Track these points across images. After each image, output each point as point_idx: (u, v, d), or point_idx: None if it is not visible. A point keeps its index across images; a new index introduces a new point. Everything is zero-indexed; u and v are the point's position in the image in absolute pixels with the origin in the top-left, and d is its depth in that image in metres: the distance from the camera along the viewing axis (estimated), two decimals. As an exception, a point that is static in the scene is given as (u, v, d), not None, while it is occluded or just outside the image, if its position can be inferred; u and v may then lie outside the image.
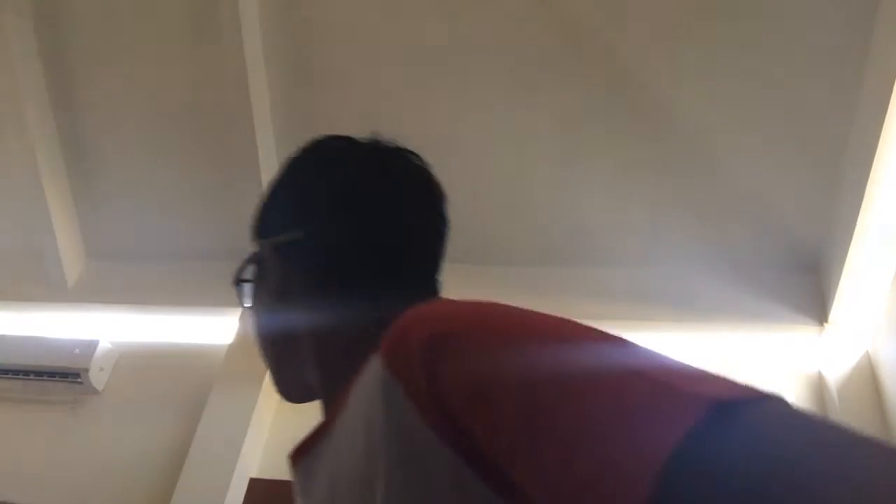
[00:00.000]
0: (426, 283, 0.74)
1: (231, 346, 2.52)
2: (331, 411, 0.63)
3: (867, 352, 2.20)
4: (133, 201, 2.72)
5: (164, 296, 2.69)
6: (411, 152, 0.77)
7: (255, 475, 2.30)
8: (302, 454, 0.67)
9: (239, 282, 0.76)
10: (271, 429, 2.42)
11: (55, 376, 2.52)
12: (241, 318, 2.57)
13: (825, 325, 2.26)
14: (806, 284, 2.36)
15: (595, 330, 0.49)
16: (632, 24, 2.12)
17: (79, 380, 2.50)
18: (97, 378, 2.54)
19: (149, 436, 2.42)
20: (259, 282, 0.75)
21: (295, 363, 0.73)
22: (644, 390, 0.41)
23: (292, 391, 0.76)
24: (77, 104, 2.57)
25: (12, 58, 2.41)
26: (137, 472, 2.35)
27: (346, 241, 0.69)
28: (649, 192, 2.35)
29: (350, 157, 0.74)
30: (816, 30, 2.00)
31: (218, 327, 2.63)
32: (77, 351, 2.53)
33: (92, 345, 2.55)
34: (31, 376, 2.53)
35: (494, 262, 2.51)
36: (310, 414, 2.61)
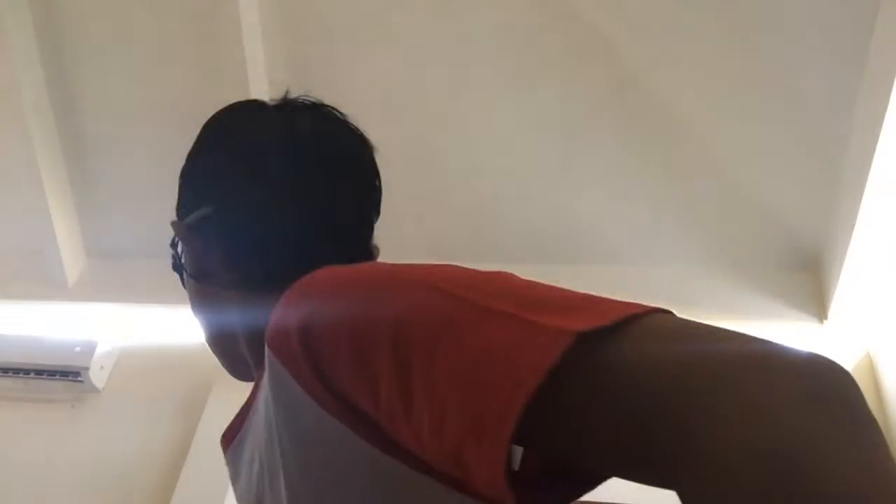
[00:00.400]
0: (352, 251, 0.69)
1: (231, 346, 2.52)
2: (249, 396, 0.62)
3: (867, 351, 2.20)
4: (134, 200, 2.72)
5: (165, 294, 2.66)
6: (325, 106, 0.73)
7: (255, 474, 2.30)
8: (229, 439, 0.66)
9: (181, 272, 0.74)
10: (271, 428, 2.42)
11: (55, 375, 2.52)
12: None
13: (824, 323, 2.26)
14: (805, 283, 2.36)
15: (472, 270, 0.48)
16: (632, 23, 2.12)
17: (79, 379, 2.50)
18: (98, 377, 2.54)
19: (149, 435, 2.42)
20: (183, 267, 0.72)
21: (233, 348, 0.73)
22: (508, 334, 0.41)
23: (240, 370, 0.76)
24: (77, 104, 2.57)
25: (12, 58, 2.41)
26: (137, 472, 2.35)
27: (257, 213, 0.66)
28: (649, 191, 2.36)
29: (256, 122, 0.71)
30: (816, 30, 2.00)
31: (218, 326, 2.63)
32: (77, 350, 2.53)
33: (92, 343, 2.55)
34: (32, 375, 2.53)
35: (493, 261, 2.49)
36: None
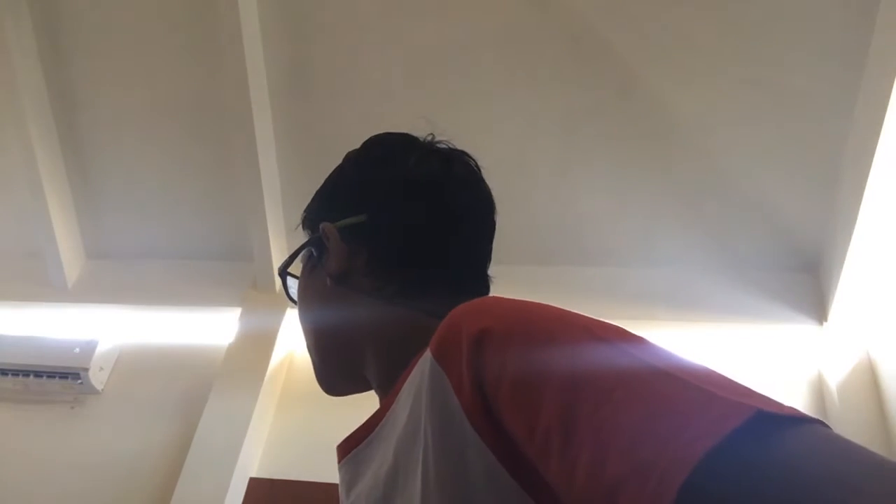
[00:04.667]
0: (476, 279, 0.76)
1: (231, 346, 2.52)
2: (385, 402, 0.64)
3: (867, 351, 2.20)
4: (133, 201, 2.72)
5: (163, 295, 2.69)
6: (466, 153, 0.80)
7: (254, 475, 2.30)
8: (351, 445, 0.66)
9: (285, 274, 0.76)
10: (271, 429, 2.42)
11: (55, 376, 2.52)
12: (241, 318, 2.57)
13: (825, 324, 2.26)
14: (806, 284, 2.37)
15: (634, 334, 0.50)
16: (632, 24, 2.12)
17: (79, 379, 2.50)
18: (97, 378, 2.54)
19: (149, 435, 2.42)
20: (312, 271, 0.74)
21: (346, 353, 0.72)
22: (684, 394, 0.42)
23: (338, 383, 0.74)
24: (77, 105, 2.57)
25: (12, 59, 2.41)
26: (137, 472, 2.35)
27: (407, 226, 0.71)
28: (649, 192, 2.36)
29: (411, 149, 0.76)
30: (816, 30, 2.00)
31: (218, 327, 2.63)
32: (77, 350, 2.53)
33: (92, 344, 2.55)
34: (32, 376, 2.53)
35: (493, 262, 2.50)
36: (309, 414, 2.61)
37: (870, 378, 2.15)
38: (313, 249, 0.73)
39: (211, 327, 2.66)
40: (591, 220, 2.42)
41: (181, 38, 2.38)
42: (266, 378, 2.42)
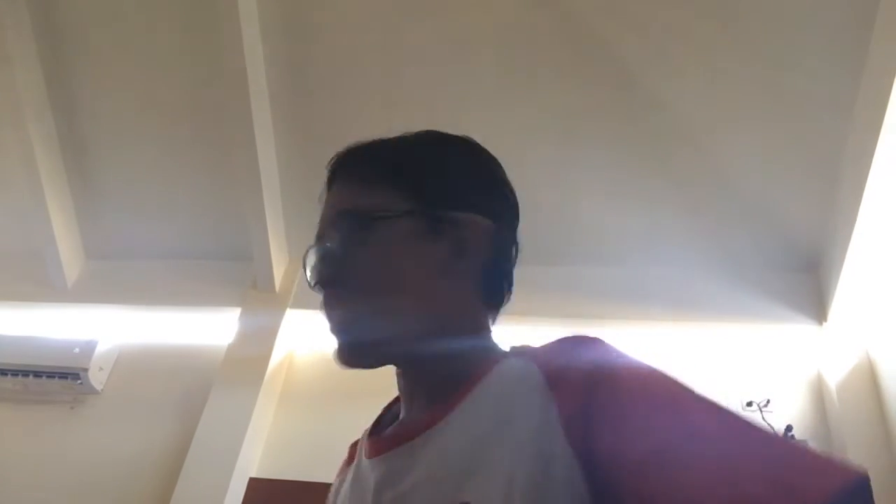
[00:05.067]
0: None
1: (231, 346, 2.52)
2: (446, 403, 0.65)
3: (867, 351, 2.20)
4: (132, 202, 2.72)
5: (163, 295, 2.69)
6: None
7: (254, 475, 2.30)
8: (392, 443, 0.66)
9: (378, 216, 0.70)
10: (271, 429, 2.42)
11: (55, 376, 2.52)
12: (241, 318, 2.57)
13: (824, 324, 2.26)
14: (805, 284, 2.37)
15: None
16: (632, 25, 2.12)
17: (78, 380, 2.50)
18: (97, 378, 2.54)
19: (148, 435, 2.42)
20: (425, 238, 0.71)
21: (425, 330, 0.69)
22: (785, 448, 0.49)
23: (380, 353, 0.71)
24: (76, 106, 2.57)
25: (12, 59, 2.41)
26: (137, 472, 2.35)
27: (508, 229, 0.75)
28: (649, 193, 2.35)
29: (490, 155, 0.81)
30: (816, 30, 2.00)
31: (218, 327, 2.63)
32: (77, 350, 2.53)
33: (91, 344, 2.55)
34: (32, 376, 2.53)
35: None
36: (309, 414, 2.61)
37: (869, 378, 2.15)
38: (446, 225, 0.71)
39: (211, 327, 2.66)
40: (591, 220, 2.42)
41: (181, 38, 2.38)
42: (266, 378, 2.42)
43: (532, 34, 2.18)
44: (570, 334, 0.64)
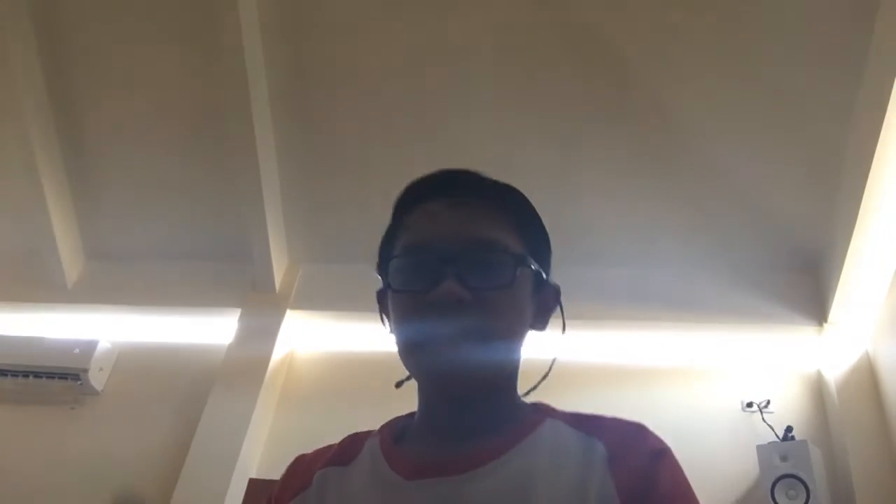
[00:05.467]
0: None
1: (231, 347, 2.52)
2: (502, 442, 0.70)
3: (867, 352, 2.20)
4: (132, 202, 2.72)
5: (163, 296, 2.69)
6: None
7: (254, 475, 2.30)
8: (435, 472, 0.68)
9: (523, 263, 0.80)
10: (271, 429, 2.42)
11: (55, 376, 2.52)
12: (241, 319, 2.57)
13: (825, 325, 2.26)
14: (806, 284, 2.37)
15: None
16: (633, 26, 2.12)
17: (79, 380, 2.50)
18: (97, 378, 2.54)
19: (148, 435, 2.42)
20: (529, 296, 0.81)
21: (504, 366, 0.77)
22: None
23: (473, 383, 0.73)
24: (77, 106, 2.57)
25: (12, 60, 2.41)
26: (137, 473, 2.35)
27: (551, 286, 0.85)
28: (650, 193, 2.35)
29: None
30: (816, 31, 2.00)
31: (217, 327, 2.63)
32: (77, 351, 2.53)
33: (91, 345, 2.55)
34: (31, 377, 2.53)
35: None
36: (309, 415, 2.61)
37: (869, 378, 2.15)
38: (540, 284, 0.83)
39: (211, 328, 2.66)
40: (591, 220, 2.42)
41: (181, 39, 2.38)
42: (266, 379, 2.42)
43: (532, 36, 2.18)
44: (628, 419, 0.71)
